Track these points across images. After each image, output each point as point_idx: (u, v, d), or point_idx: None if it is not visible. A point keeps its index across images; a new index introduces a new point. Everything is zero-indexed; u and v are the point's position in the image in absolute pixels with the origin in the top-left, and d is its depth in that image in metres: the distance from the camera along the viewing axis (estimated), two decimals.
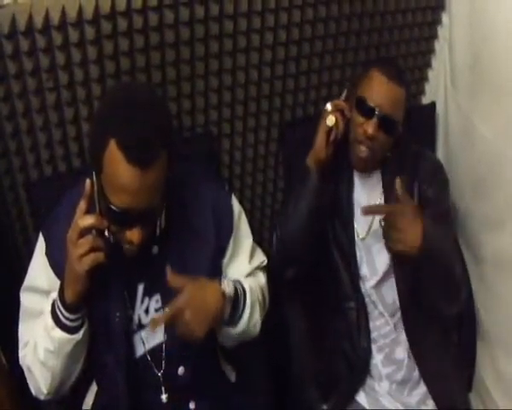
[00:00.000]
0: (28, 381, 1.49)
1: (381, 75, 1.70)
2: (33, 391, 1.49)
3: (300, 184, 1.75)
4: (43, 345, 1.38)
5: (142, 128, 1.24)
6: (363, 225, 1.83)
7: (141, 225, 1.30)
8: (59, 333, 1.36)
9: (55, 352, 1.38)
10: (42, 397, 1.47)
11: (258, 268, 1.69)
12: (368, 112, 1.69)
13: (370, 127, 1.68)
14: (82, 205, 1.32)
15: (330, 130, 1.71)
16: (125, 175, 1.22)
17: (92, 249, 1.31)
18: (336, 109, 1.72)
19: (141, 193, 1.25)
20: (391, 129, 1.71)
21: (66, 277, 1.34)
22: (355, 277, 1.84)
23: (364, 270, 1.84)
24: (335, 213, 1.83)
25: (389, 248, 1.64)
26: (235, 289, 1.50)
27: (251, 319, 1.54)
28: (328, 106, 1.72)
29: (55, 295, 1.38)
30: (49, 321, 1.36)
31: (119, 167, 1.22)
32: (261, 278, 1.69)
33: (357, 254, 1.84)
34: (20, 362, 1.49)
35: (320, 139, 1.72)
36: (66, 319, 1.35)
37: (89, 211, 1.32)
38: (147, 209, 1.29)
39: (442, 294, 1.75)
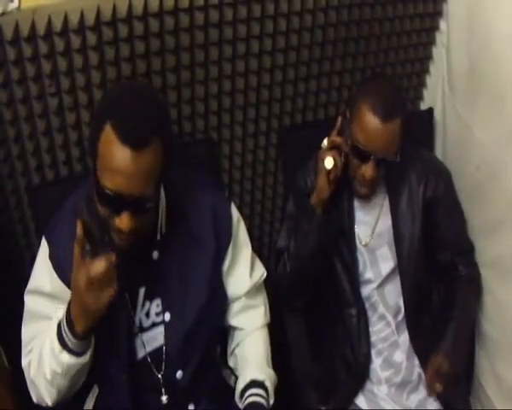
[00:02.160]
0: (30, 390, 1.49)
1: (372, 116, 1.62)
2: (35, 400, 1.49)
3: (306, 222, 1.77)
4: (49, 367, 1.37)
5: (136, 112, 1.26)
6: (365, 230, 1.84)
7: (130, 211, 1.28)
8: (67, 357, 1.35)
9: (63, 374, 1.38)
10: (44, 405, 1.47)
11: (258, 283, 1.70)
12: (363, 157, 1.67)
13: (368, 171, 1.67)
14: (76, 250, 1.31)
15: (330, 171, 1.71)
16: (118, 156, 1.23)
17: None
18: (333, 146, 1.71)
19: (133, 177, 1.25)
20: (388, 166, 1.71)
21: (77, 311, 1.32)
22: (356, 283, 1.85)
23: (369, 274, 1.86)
24: None
25: None
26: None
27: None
28: (325, 142, 1.73)
29: (60, 314, 1.38)
30: (56, 345, 1.35)
31: (112, 148, 1.24)
32: (263, 298, 1.73)
33: (360, 260, 1.85)
34: (23, 367, 1.49)
35: (322, 182, 1.72)
36: (75, 345, 1.35)
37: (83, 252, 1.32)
38: (138, 196, 1.27)
39: None
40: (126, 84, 1.61)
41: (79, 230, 1.31)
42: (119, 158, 1.23)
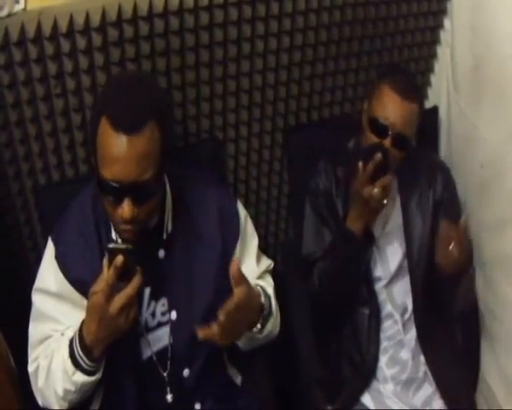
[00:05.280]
0: (36, 396, 1.49)
1: (392, 93, 1.71)
2: (41, 405, 1.49)
3: (346, 248, 1.75)
4: (62, 386, 1.38)
5: (129, 98, 1.28)
6: (377, 227, 1.85)
7: (131, 199, 1.29)
8: (81, 377, 1.36)
9: (76, 391, 1.39)
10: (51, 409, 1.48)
11: (266, 271, 1.71)
12: (381, 131, 1.70)
13: (386, 144, 1.68)
14: (107, 282, 1.29)
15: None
16: (113, 143, 1.25)
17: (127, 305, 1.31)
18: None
19: (129, 162, 1.26)
20: (404, 146, 1.72)
21: (102, 336, 1.32)
22: (370, 281, 1.86)
23: (378, 272, 1.86)
24: None
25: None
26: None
27: (275, 323, 1.57)
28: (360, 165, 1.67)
29: (70, 333, 1.39)
30: (70, 367, 1.35)
31: (107, 137, 1.26)
32: (270, 282, 1.70)
33: (371, 256, 1.86)
34: (29, 373, 1.49)
35: (372, 216, 1.73)
36: (90, 366, 1.36)
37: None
38: (136, 183, 1.28)
39: None
40: (120, 75, 1.64)
41: (119, 262, 1.28)
42: (113, 145, 1.25)
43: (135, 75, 1.56)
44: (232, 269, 1.34)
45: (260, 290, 1.52)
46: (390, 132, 1.69)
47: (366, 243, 1.75)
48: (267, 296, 1.55)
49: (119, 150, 1.25)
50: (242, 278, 1.36)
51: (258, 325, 1.48)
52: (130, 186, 1.28)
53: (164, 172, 1.39)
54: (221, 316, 1.31)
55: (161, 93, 1.45)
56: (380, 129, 1.70)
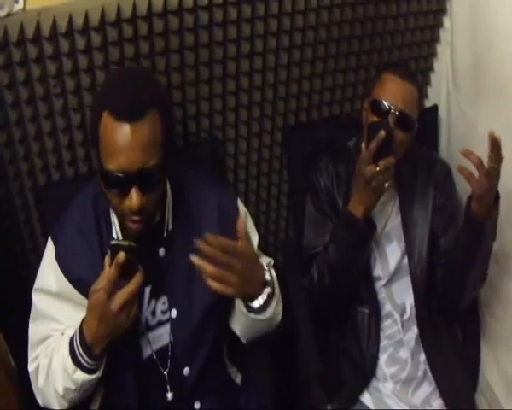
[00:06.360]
0: (37, 396, 1.49)
1: (393, 76, 1.74)
2: (41, 404, 1.49)
3: (347, 234, 1.72)
4: (63, 384, 1.38)
5: (129, 89, 1.30)
6: (377, 226, 1.84)
7: (138, 187, 1.29)
8: (82, 375, 1.35)
9: (77, 390, 1.38)
10: (51, 408, 1.48)
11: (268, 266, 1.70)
12: (383, 112, 1.71)
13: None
14: (109, 279, 1.28)
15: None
16: (116, 134, 1.26)
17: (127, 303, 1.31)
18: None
19: (134, 150, 1.26)
20: (407, 126, 1.73)
21: (103, 334, 1.32)
22: (370, 280, 1.86)
23: (378, 271, 1.86)
24: None
25: None
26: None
27: (277, 307, 1.54)
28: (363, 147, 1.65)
29: (70, 332, 1.39)
30: (70, 365, 1.35)
31: (110, 129, 1.26)
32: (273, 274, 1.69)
33: (371, 255, 1.86)
34: (29, 373, 1.49)
35: (372, 198, 1.66)
36: (91, 364, 1.35)
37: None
38: (142, 170, 1.28)
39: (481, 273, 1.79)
40: (117, 71, 1.64)
41: (121, 259, 1.27)
42: (117, 135, 1.26)
43: (132, 69, 1.58)
44: (239, 226, 1.35)
45: (266, 268, 1.49)
46: (392, 111, 1.69)
47: (367, 230, 1.72)
48: (271, 277, 1.50)
49: (123, 139, 1.26)
50: (247, 237, 1.37)
51: (261, 300, 1.43)
52: (136, 174, 1.29)
53: (166, 162, 1.38)
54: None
55: (159, 83, 1.48)
56: (382, 110, 1.71)
